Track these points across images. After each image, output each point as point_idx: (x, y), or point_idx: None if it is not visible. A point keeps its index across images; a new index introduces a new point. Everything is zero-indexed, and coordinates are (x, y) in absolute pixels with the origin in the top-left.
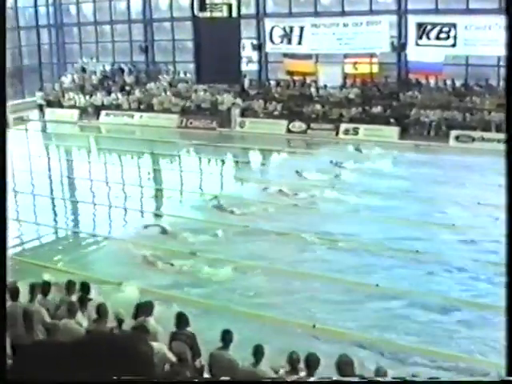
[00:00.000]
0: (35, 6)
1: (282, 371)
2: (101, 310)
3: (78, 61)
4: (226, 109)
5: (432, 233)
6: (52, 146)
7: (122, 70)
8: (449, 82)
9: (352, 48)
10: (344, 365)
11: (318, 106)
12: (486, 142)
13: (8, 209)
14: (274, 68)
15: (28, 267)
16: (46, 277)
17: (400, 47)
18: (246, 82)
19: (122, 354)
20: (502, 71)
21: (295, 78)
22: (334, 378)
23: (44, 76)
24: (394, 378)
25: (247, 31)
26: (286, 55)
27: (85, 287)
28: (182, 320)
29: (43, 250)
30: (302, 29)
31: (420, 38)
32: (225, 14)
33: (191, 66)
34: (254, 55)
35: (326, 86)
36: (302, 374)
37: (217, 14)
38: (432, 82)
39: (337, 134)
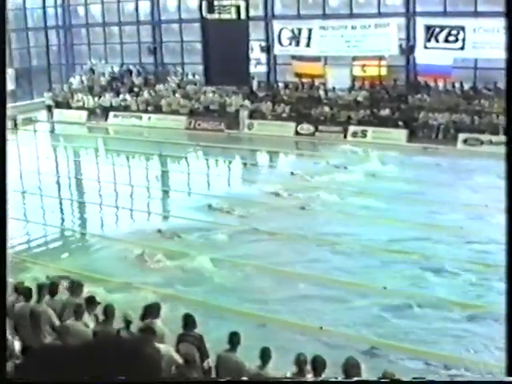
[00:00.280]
0: (44, 7)
1: (288, 373)
2: (108, 312)
3: (87, 62)
4: (234, 111)
5: (440, 235)
6: (60, 146)
7: (131, 72)
8: (457, 85)
9: (360, 50)
10: (351, 367)
11: (327, 109)
12: (494, 146)
13: (8, 209)
14: (282, 70)
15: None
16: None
17: (408, 50)
18: (255, 84)
19: (129, 358)
20: None
21: (304, 80)
22: (334, 379)
23: (52, 77)
24: (393, 378)
25: (256, 33)
26: (294, 57)
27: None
28: (189, 321)
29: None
30: (310, 31)
31: (428, 40)
32: (233, 15)
33: (199, 68)
34: (263, 57)
35: (334, 89)
36: (309, 375)
37: (225, 16)
38: (440, 84)
39: (345, 136)
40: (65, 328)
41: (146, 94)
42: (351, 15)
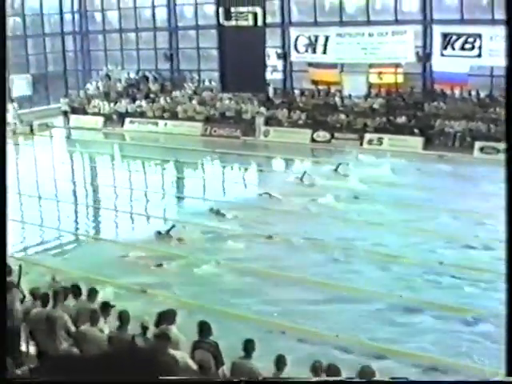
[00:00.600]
0: (61, 12)
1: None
2: (123, 317)
3: (103, 68)
4: (250, 117)
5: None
6: (76, 152)
7: (147, 78)
8: (473, 93)
9: (377, 58)
10: (365, 376)
11: (343, 116)
12: None
13: (8, 210)
14: (298, 77)
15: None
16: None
17: (425, 57)
18: (271, 91)
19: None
20: None
21: (320, 87)
22: (335, 379)
23: (69, 83)
24: (394, 378)
25: (272, 40)
26: (310, 64)
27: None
28: (204, 328)
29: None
30: (326, 38)
31: (445, 48)
32: (250, 22)
33: (216, 75)
34: (279, 64)
35: (350, 96)
36: None
37: (242, 23)
38: (457, 92)
39: (361, 143)
40: (80, 334)
41: (162, 101)
42: (368, 22)
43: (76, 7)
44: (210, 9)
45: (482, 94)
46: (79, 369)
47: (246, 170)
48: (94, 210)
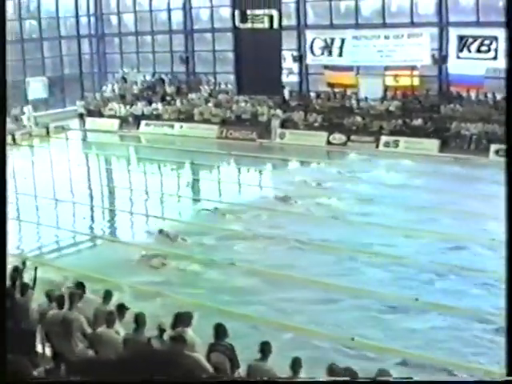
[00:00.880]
0: (76, 15)
1: None
2: (139, 320)
3: (119, 71)
4: (266, 120)
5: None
6: (92, 154)
7: (163, 81)
8: (490, 95)
9: (393, 60)
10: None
11: (359, 118)
12: None
13: (8, 210)
14: (314, 80)
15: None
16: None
17: (441, 60)
18: (287, 94)
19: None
20: None
21: (336, 89)
22: (335, 379)
23: (85, 85)
24: (393, 378)
25: (288, 43)
26: (326, 67)
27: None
28: (220, 331)
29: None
30: (342, 41)
31: (461, 50)
32: (266, 25)
33: (231, 77)
34: (295, 67)
35: (366, 98)
36: None
37: (258, 26)
38: (473, 94)
39: (377, 146)
40: (96, 336)
41: (178, 103)
42: (384, 25)
43: (92, 10)
44: (226, 11)
45: (499, 97)
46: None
47: (260, 172)
48: (109, 212)
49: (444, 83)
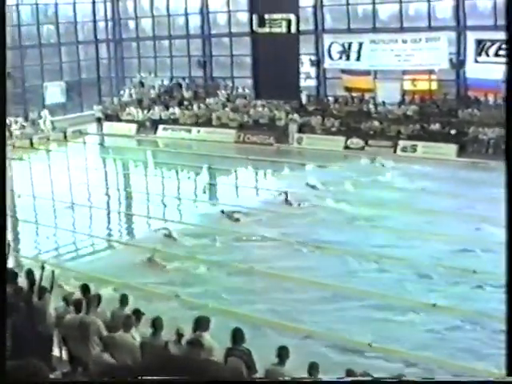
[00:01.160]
0: (94, 20)
1: None
2: (156, 324)
3: (137, 75)
4: (283, 124)
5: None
6: (109, 159)
7: (180, 85)
8: None
9: (411, 64)
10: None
11: (376, 123)
12: None
13: (7, 212)
14: (332, 84)
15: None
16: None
17: (459, 64)
18: (304, 98)
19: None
20: None
21: (353, 94)
22: (335, 379)
23: (102, 90)
24: (394, 378)
25: (305, 47)
26: (344, 71)
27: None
28: (237, 336)
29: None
30: (360, 45)
31: (479, 54)
32: (284, 29)
33: (249, 82)
34: (312, 71)
35: (384, 103)
36: None
37: (276, 30)
38: (491, 99)
39: (395, 151)
40: (112, 339)
41: (195, 108)
42: (402, 29)
43: (109, 15)
44: (244, 16)
45: None
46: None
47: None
48: (126, 216)
49: (462, 87)
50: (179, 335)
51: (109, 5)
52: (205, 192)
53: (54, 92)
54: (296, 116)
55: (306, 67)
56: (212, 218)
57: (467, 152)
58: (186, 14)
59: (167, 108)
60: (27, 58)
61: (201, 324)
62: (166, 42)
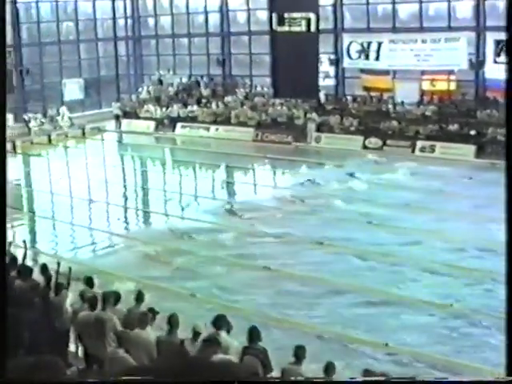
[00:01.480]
0: (113, 18)
1: None
2: (172, 321)
3: (155, 73)
4: (302, 123)
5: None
6: (127, 156)
7: (199, 83)
8: None
9: (430, 65)
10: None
11: (395, 123)
12: None
13: (7, 209)
14: (350, 83)
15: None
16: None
17: (478, 65)
18: (323, 97)
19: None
20: None
21: (372, 93)
22: (334, 379)
23: (121, 87)
24: (393, 378)
25: (325, 46)
26: (363, 71)
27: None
28: (254, 334)
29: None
30: (379, 44)
31: (498, 55)
32: (303, 28)
33: (268, 80)
34: (331, 70)
35: (402, 103)
36: None
37: (295, 29)
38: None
39: (413, 151)
40: (130, 337)
41: (213, 106)
42: (421, 29)
43: (129, 12)
44: (263, 14)
45: None
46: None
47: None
48: (143, 214)
49: (480, 88)
50: (195, 333)
51: (128, 2)
52: (223, 189)
53: (73, 89)
54: (314, 115)
55: (325, 66)
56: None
57: (486, 153)
58: (206, 12)
59: (186, 106)
60: (46, 54)
61: (218, 322)
62: (185, 40)
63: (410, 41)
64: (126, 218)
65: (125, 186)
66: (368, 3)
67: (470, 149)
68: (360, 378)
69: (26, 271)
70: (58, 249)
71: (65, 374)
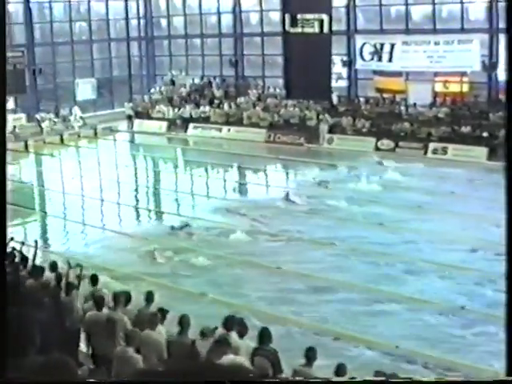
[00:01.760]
0: (126, 18)
1: None
2: (183, 322)
3: (168, 73)
4: (314, 125)
5: None
6: (139, 156)
7: (211, 84)
8: None
9: (443, 66)
10: None
11: (407, 125)
12: None
13: (7, 209)
14: (363, 85)
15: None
16: None
17: (491, 67)
18: (335, 99)
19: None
20: None
21: (385, 95)
22: (335, 379)
23: (133, 87)
24: (393, 378)
25: (337, 47)
26: (375, 72)
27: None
28: (265, 336)
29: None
30: (392, 46)
31: None
32: (316, 29)
33: (280, 81)
34: (344, 72)
35: (415, 105)
36: None
37: (308, 30)
38: None
39: (425, 153)
40: (140, 337)
41: (226, 107)
42: (434, 31)
43: (142, 13)
44: (276, 15)
45: None
46: None
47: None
48: (156, 214)
49: (493, 90)
50: (203, 334)
51: (141, 2)
52: (235, 192)
53: (85, 89)
54: (327, 116)
55: (338, 68)
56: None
57: (498, 155)
58: (219, 13)
59: (198, 106)
60: (59, 54)
61: (232, 323)
62: (197, 41)
63: (423, 42)
64: (137, 216)
65: (136, 187)
66: (381, 5)
67: (483, 151)
68: (360, 378)
69: (37, 271)
70: (69, 248)
71: (76, 373)
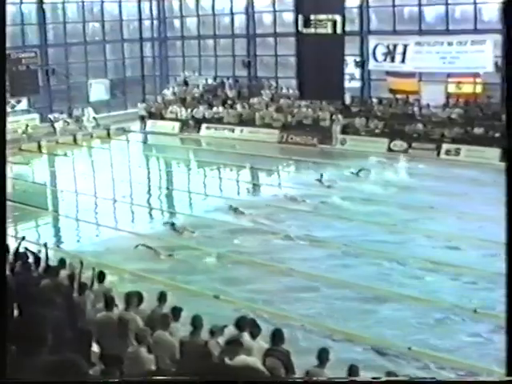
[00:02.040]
0: (140, 19)
1: None
2: (196, 322)
3: (181, 74)
4: (327, 125)
5: None
6: (152, 157)
7: (224, 84)
8: None
9: (456, 67)
10: None
11: (420, 125)
12: None
13: (7, 209)
14: (376, 86)
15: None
16: None
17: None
18: (348, 99)
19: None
20: None
21: (398, 96)
22: (334, 378)
23: (146, 88)
24: (393, 378)
25: (350, 48)
26: (388, 73)
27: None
28: (277, 336)
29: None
30: (405, 47)
31: None
32: (329, 30)
33: (293, 82)
34: (357, 72)
35: (428, 105)
36: None
37: (321, 31)
38: None
39: (438, 154)
40: (153, 338)
41: (239, 107)
42: (447, 31)
43: (155, 14)
44: (289, 16)
45: None
46: None
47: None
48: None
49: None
50: (212, 333)
51: (154, 3)
52: (249, 193)
53: (99, 89)
54: (340, 117)
55: (351, 68)
56: None
57: None
58: (232, 14)
59: (211, 107)
60: (72, 55)
61: (244, 324)
62: (210, 41)
63: (436, 43)
64: (150, 216)
65: (149, 187)
66: (394, 5)
67: (495, 152)
68: (360, 378)
69: (50, 271)
70: (81, 248)
71: (87, 373)
